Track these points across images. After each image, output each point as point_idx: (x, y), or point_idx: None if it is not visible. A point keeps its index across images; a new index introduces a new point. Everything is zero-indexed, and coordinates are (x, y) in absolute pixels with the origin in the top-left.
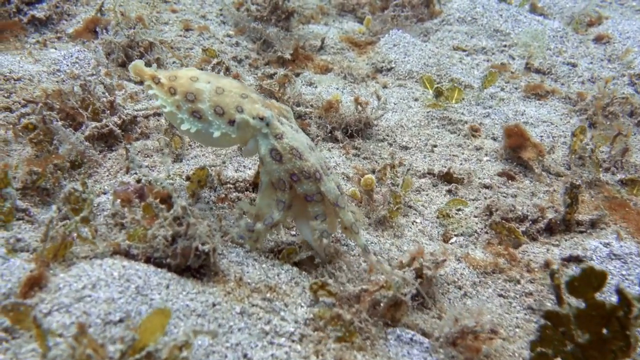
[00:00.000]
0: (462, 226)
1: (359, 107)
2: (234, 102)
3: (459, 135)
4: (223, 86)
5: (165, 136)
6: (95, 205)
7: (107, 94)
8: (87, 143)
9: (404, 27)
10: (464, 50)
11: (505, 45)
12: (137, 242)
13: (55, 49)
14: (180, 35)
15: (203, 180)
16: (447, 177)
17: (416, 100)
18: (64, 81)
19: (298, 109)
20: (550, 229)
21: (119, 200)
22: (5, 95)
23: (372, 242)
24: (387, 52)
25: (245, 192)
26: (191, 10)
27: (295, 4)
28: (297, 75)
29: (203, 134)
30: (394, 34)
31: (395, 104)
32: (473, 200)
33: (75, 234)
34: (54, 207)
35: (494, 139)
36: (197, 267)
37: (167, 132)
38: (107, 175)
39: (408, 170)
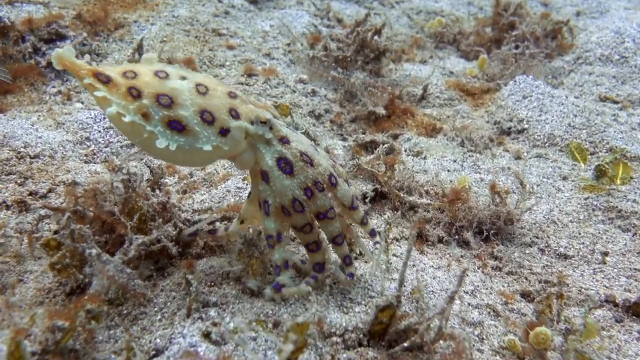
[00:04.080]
0: None
1: (497, 198)
2: (224, 105)
3: (635, 234)
4: (204, 83)
5: (239, 259)
6: None
7: (158, 192)
8: (130, 271)
9: (529, 68)
10: (615, 102)
11: None
12: None
13: (82, 103)
14: (242, 83)
15: (303, 341)
16: (636, 310)
17: (565, 179)
18: (94, 155)
19: (411, 199)
20: None
21: None
22: (19, 181)
23: None
24: (515, 106)
25: (359, 348)
26: (252, 45)
27: (384, 35)
28: (396, 137)
29: (186, 151)
30: (521, 81)
31: (537, 186)
32: None
33: None
34: None
35: None
36: None
37: (242, 254)
38: (160, 320)
39: (590, 309)
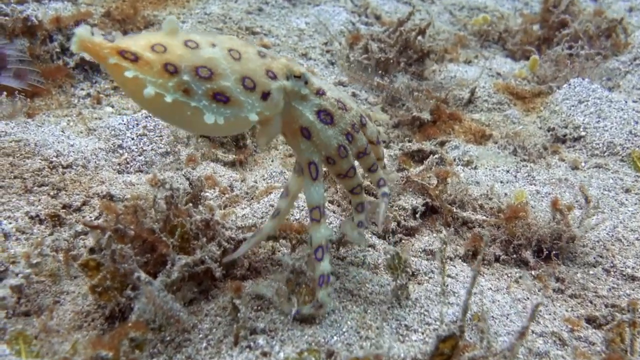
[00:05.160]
0: None
1: (558, 215)
2: (260, 67)
3: None
4: (234, 47)
5: (287, 286)
6: None
7: (201, 209)
8: (178, 306)
9: (584, 70)
10: None
11: None
12: None
13: (113, 107)
14: None
15: None
16: None
17: (628, 191)
18: (128, 164)
19: (464, 214)
20: None
21: None
22: (52, 193)
23: None
24: (570, 112)
25: None
26: (287, 44)
27: (427, 32)
28: (442, 144)
29: (231, 123)
30: (576, 84)
31: (598, 199)
32: None
33: None
34: None
35: None
36: None
37: (290, 283)
38: (206, 348)
39: None
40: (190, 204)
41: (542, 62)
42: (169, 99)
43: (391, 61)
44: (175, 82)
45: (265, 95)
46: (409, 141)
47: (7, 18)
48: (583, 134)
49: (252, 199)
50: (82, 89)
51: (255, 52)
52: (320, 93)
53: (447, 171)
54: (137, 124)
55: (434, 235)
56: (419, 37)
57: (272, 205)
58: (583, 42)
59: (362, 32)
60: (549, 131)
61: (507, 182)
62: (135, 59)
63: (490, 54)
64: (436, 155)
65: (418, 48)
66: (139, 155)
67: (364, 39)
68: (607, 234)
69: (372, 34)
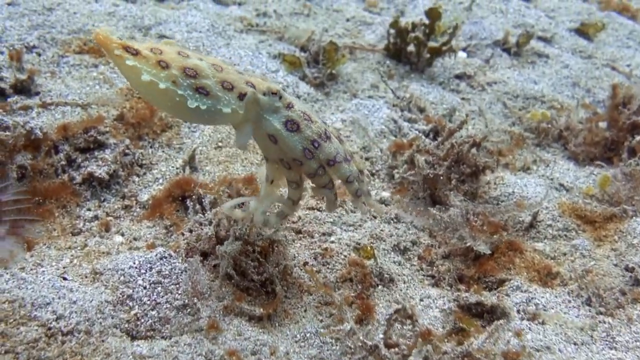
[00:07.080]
0: None
1: None
2: (240, 78)
3: None
4: (218, 64)
5: None
6: None
7: None
8: None
9: None
10: None
11: None
12: None
13: (123, 235)
14: (312, 208)
15: None
16: None
17: None
18: (138, 320)
19: None
20: None
21: None
22: None
23: None
24: None
25: None
26: None
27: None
28: (502, 283)
29: (211, 112)
30: None
31: None
32: None
33: None
34: None
35: None
36: None
37: None
38: None
39: None
40: None
41: (613, 177)
42: (162, 85)
43: (441, 177)
44: (167, 74)
45: (242, 96)
46: (461, 280)
47: (7, 133)
48: None
49: None
50: (89, 209)
51: (235, 70)
52: (289, 106)
53: (517, 353)
54: (151, 268)
55: None
56: (473, 150)
57: None
58: None
59: (404, 131)
60: (627, 271)
61: (582, 344)
62: (135, 53)
63: (550, 155)
64: (500, 322)
65: (472, 162)
66: (152, 310)
67: (409, 149)
68: None
69: (418, 145)
